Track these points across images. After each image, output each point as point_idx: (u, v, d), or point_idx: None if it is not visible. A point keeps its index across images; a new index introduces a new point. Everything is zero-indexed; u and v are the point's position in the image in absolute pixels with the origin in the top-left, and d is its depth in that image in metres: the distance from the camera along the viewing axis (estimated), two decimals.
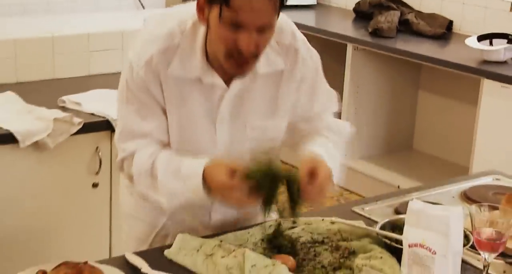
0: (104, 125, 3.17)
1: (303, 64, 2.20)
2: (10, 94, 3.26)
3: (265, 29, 1.96)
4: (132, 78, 2.06)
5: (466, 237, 1.93)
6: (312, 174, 2.03)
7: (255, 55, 1.99)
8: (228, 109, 2.11)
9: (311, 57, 2.22)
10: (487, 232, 1.86)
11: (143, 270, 1.91)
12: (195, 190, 2.02)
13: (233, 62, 1.99)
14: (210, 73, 2.06)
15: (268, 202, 2.02)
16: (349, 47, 4.84)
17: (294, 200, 2.04)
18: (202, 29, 2.04)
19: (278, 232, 2.14)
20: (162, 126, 2.11)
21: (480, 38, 4.34)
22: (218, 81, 2.08)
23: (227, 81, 2.09)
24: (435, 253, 1.79)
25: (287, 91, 2.20)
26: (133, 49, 2.09)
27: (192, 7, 2.05)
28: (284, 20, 2.12)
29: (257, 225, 2.21)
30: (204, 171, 2.01)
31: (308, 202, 2.08)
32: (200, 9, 2.00)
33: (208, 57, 2.06)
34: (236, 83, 2.09)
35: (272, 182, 2.01)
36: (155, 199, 2.10)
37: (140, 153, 2.08)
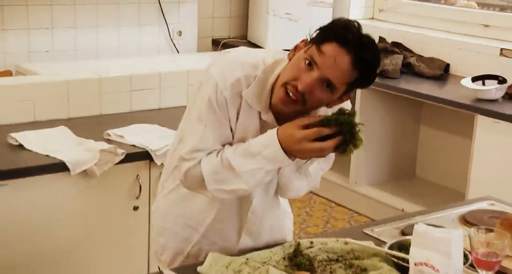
0: (143, 156, 3.17)
1: None
2: (62, 129, 3.28)
3: (327, 86, 1.91)
4: (216, 96, 1.98)
5: (465, 257, 1.91)
6: None
7: (303, 100, 1.93)
8: None
9: None
10: (484, 252, 1.85)
11: None
12: (275, 156, 1.95)
13: (283, 95, 1.93)
14: (268, 114, 2.02)
15: (347, 142, 1.91)
16: None
17: (357, 137, 1.92)
18: (278, 69, 2.00)
19: (297, 251, 2.13)
20: (227, 140, 2.05)
21: (474, 79, 4.33)
22: (271, 118, 2.03)
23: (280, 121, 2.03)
24: (438, 271, 1.78)
25: None
26: (218, 71, 2.01)
27: (271, 52, 2.05)
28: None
29: (278, 244, 2.20)
30: (277, 135, 1.95)
31: None
32: (296, 48, 1.97)
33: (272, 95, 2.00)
34: None
35: (348, 124, 1.91)
36: (231, 189, 2.02)
37: (205, 158, 2.01)
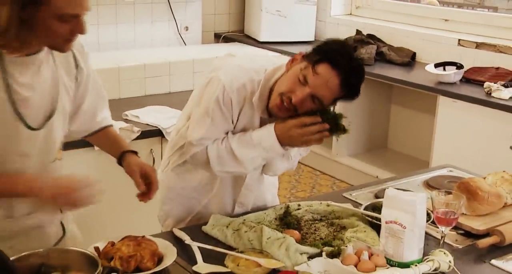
0: (156, 133, 3.18)
1: None
2: None
3: (316, 101, 1.91)
4: (223, 97, 1.97)
5: (428, 215, 1.91)
6: None
7: (294, 109, 1.93)
8: None
9: None
10: (443, 211, 1.86)
11: (186, 241, 1.90)
12: (272, 147, 1.98)
13: (279, 103, 1.93)
14: (264, 114, 2.03)
15: (335, 128, 1.95)
16: None
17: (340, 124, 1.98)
18: (276, 75, 1.99)
19: (287, 213, 2.13)
20: (229, 130, 2.05)
21: (436, 65, 4.31)
22: (265, 116, 2.03)
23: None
24: (405, 228, 1.78)
25: None
26: (225, 75, 1.99)
27: (271, 61, 2.06)
28: None
29: (271, 207, 2.20)
30: (274, 129, 1.97)
31: None
32: (293, 60, 1.96)
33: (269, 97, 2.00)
34: None
35: (334, 115, 1.96)
36: (233, 171, 2.05)
37: (211, 144, 2.02)
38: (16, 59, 1.69)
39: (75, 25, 1.65)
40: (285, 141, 1.98)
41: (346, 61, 1.89)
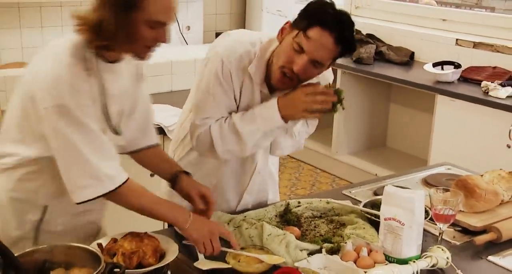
0: (158, 131, 3.16)
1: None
2: None
3: (317, 64, 1.89)
4: (222, 70, 1.95)
5: (426, 212, 1.92)
6: None
7: (297, 79, 1.91)
8: None
9: None
10: (441, 208, 1.85)
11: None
12: (271, 117, 1.94)
13: (281, 76, 1.91)
14: (264, 87, 2.00)
15: (337, 103, 1.92)
16: (339, 72, 4.81)
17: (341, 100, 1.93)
18: (272, 47, 1.97)
19: (287, 210, 2.13)
20: (232, 108, 2.02)
21: (434, 64, 4.31)
22: (265, 90, 2.01)
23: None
24: (403, 225, 1.78)
25: None
26: (222, 48, 1.98)
27: (265, 34, 2.03)
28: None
29: (271, 204, 2.20)
30: (278, 99, 1.95)
31: None
32: (282, 30, 1.94)
33: (267, 70, 1.98)
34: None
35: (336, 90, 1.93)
36: (235, 148, 2.00)
37: (214, 123, 1.99)
38: (106, 66, 1.75)
39: (160, 34, 1.70)
40: (287, 111, 1.93)
41: (333, 18, 1.86)
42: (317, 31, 1.85)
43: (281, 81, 1.93)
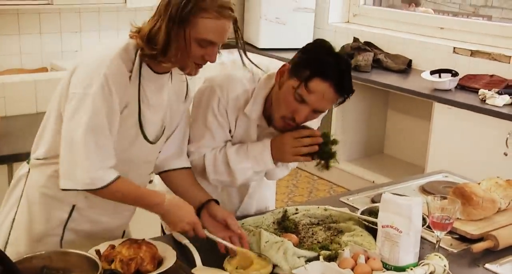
0: None
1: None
2: None
3: (318, 112, 1.92)
4: (218, 108, 1.99)
5: (423, 220, 1.92)
6: None
7: (298, 125, 1.95)
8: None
9: None
10: (439, 216, 1.85)
11: (184, 242, 1.89)
12: (264, 160, 1.97)
13: (281, 122, 1.94)
14: (262, 121, 2.03)
15: (328, 154, 1.94)
16: None
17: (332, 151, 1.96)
18: (270, 84, 2.00)
19: (285, 217, 2.12)
20: (227, 138, 2.06)
21: (432, 72, 4.33)
22: (263, 124, 2.03)
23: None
24: (401, 232, 1.78)
25: None
26: (219, 85, 2.00)
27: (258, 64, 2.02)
28: None
29: (269, 211, 2.20)
30: (271, 142, 1.98)
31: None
32: (281, 73, 1.94)
33: (265, 104, 2.01)
34: None
35: (330, 140, 1.95)
36: (226, 180, 2.04)
37: (209, 153, 2.03)
38: (150, 75, 1.79)
39: (208, 52, 1.75)
40: (278, 155, 1.97)
41: (334, 68, 1.86)
42: (318, 83, 1.85)
43: (281, 127, 1.97)
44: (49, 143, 1.83)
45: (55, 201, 1.87)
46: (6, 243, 1.91)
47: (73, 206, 1.88)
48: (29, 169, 1.90)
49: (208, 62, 1.80)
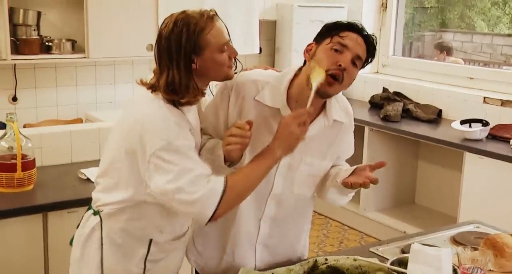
0: None
1: (351, 122, 2.20)
2: None
3: (356, 62, 1.98)
4: (224, 87, 2.07)
5: (454, 271, 1.90)
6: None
7: (342, 79, 1.96)
8: None
9: (352, 117, 2.22)
10: (470, 267, 1.84)
11: None
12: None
13: (328, 78, 1.94)
14: (287, 109, 2.01)
15: None
16: (366, 129, 4.85)
17: None
18: (288, 76, 2.04)
19: (315, 267, 2.12)
20: (216, 128, 2.11)
21: (462, 122, 4.33)
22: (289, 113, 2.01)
23: None
24: None
25: (342, 140, 2.19)
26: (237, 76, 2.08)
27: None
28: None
29: (298, 263, 2.19)
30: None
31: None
32: (307, 51, 2.04)
33: (288, 97, 2.02)
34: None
35: None
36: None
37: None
38: (188, 108, 1.95)
39: (229, 51, 1.92)
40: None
41: (353, 24, 2.01)
42: (347, 32, 1.98)
43: (329, 83, 1.96)
44: (129, 192, 1.93)
45: (135, 240, 1.99)
46: None
47: (150, 241, 2.01)
48: (101, 219, 2.00)
49: None
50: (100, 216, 2.00)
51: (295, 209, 2.22)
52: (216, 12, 1.92)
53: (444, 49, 6.21)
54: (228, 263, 2.19)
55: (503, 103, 4.45)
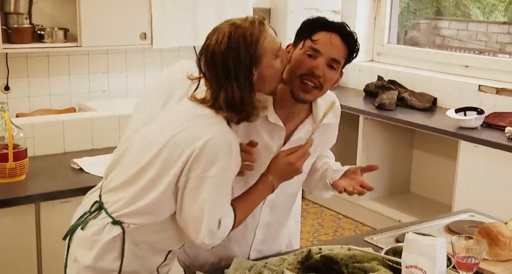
0: None
1: (338, 117, 2.19)
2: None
3: (333, 65, 1.93)
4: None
5: (449, 260, 1.90)
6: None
7: (320, 85, 1.93)
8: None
9: (340, 110, 2.20)
10: (464, 256, 1.84)
11: None
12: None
13: (300, 84, 1.92)
14: (274, 115, 1.99)
15: None
16: (361, 118, 4.84)
17: None
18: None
19: (308, 256, 2.12)
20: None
21: (457, 110, 4.32)
22: (279, 122, 2.00)
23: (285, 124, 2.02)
24: (425, 272, 1.76)
25: (328, 138, 2.19)
26: None
27: None
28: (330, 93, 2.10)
29: (292, 252, 2.19)
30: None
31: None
32: (287, 52, 1.99)
33: (274, 102, 1.99)
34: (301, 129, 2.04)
35: None
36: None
37: None
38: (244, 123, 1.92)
39: (281, 55, 1.88)
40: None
41: (329, 22, 1.95)
42: (322, 34, 1.93)
43: (304, 90, 1.93)
44: (159, 211, 1.87)
45: (154, 252, 1.96)
46: None
47: (168, 252, 2.00)
48: (123, 230, 1.89)
49: None
50: (122, 228, 1.88)
51: (285, 208, 2.24)
52: (263, 17, 1.85)
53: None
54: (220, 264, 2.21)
55: (498, 91, 4.44)
